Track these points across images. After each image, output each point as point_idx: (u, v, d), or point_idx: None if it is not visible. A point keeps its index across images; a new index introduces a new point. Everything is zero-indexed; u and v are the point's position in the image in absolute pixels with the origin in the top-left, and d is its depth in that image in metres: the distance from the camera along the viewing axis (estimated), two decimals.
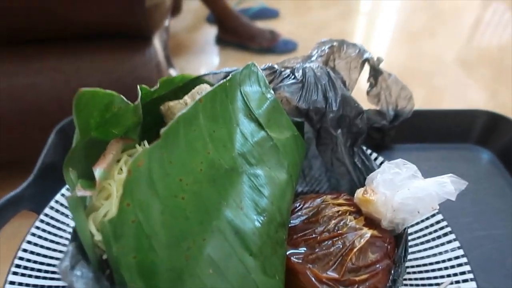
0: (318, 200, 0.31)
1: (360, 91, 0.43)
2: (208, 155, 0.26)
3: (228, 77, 0.30)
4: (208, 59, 1.61)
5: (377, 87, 0.41)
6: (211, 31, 1.64)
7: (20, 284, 0.28)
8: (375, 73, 0.41)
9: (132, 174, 0.22)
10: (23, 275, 0.28)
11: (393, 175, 0.29)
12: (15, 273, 0.28)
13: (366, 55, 0.39)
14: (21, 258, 0.29)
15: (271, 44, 1.54)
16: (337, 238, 0.28)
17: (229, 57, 1.57)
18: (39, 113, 0.88)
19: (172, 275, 0.22)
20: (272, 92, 0.32)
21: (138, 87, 0.29)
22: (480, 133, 0.46)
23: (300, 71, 0.35)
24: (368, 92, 0.41)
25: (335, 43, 0.37)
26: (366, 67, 0.40)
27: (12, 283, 0.27)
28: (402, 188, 0.29)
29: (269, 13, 1.79)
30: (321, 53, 0.37)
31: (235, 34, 1.53)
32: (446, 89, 1.40)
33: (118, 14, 0.81)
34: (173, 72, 1.08)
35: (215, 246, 0.24)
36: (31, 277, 0.29)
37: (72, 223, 0.33)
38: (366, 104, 0.42)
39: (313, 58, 0.37)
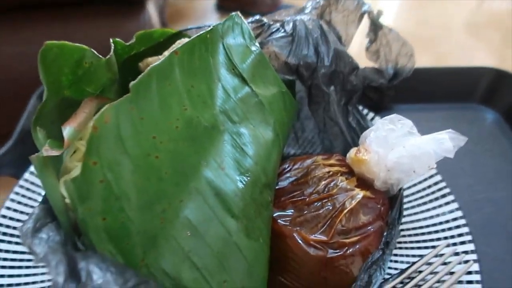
0: (309, 161, 0.29)
1: (358, 47, 0.41)
2: (185, 111, 0.24)
3: (209, 28, 0.27)
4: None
5: (377, 42, 0.38)
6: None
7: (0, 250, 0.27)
8: (375, 27, 0.38)
9: (98, 131, 0.20)
10: (2, 241, 0.27)
11: (387, 131, 0.27)
12: None
13: (365, 8, 0.36)
14: (3, 216, 0.28)
15: (272, 10, 1.49)
16: (326, 200, 0.26)
17: None
18: (29, 83, 0.86)
19: (145, 238, 0.20)
20: (258, 45, 0.29)
21: (111, 40, 0.27)
22: (485, 91, 0.44)
23: (291, 24, 0.33)
24: (367, 48, 0.39)
25: None
26: (365, 21, 0.38)
27: None
28: (397, 146, 0.27)
29: None
30: (315, 5, 0.34)
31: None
32: (453, 55, 1.35)
33: None
34: None
35: (193, 208, 0.22)
36: (10, 243, 0.28)
37: None
38: (364, 61, 0.40)
39: (307, 11, 0.34)
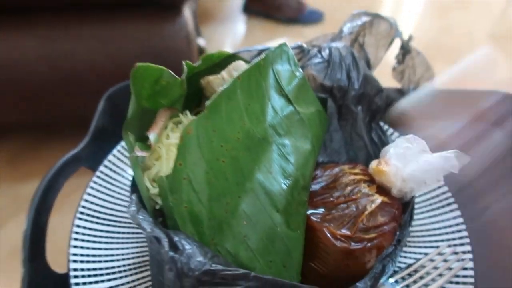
0: (336, 169, 0.35)
1: (385, 65, 0.46)
2: (244, 125, 0.30)
3: (262, 56, 0.34)
4: (234, 28, 1.62)
5: (403, 64, 0.44)
6: (238, 0, 1.65)
7: (84, 227, 0.34)
8: (404, 51, 0.44)
9: (183, 140, 0.27)
10: (86, 220, 0.34)
11: (404, 149, 0.33)
12: (80, 219, 0.34)
13: (397, 34, 0.42)
14: (83, 207, 0.35)
15: (297, 14, 1.54)
16: (351, 202, 0.32)
17: (255, 26, 1.58)
18: (75, 80, 0.93)
19: (214, 223, 0.27)
20: (301, 71, 0.35)
21: (184, 63, 0.33)
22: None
23: (327, 50, 0.39)
24: (394, 68, 0.44)
25: (367, 19, 0.40)
26: (396, 42, 0.43)
27: (78, 226, 0.33)
28: (412, 161, 0.33)
29: None
30: (351, 30, 0.40)
31: (261, 2, 1.53)
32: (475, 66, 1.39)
33: None
34: (201, 41, 1.11)
35: (248, 203, 0.28)
36: (92, 222, 0.34)
37: (121, 179, 0.38)
38: (389, 78, 0.45)
39: (343, 34, 0.40)
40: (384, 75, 0.44)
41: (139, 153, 0.29)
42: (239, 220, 0.28)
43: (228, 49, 1.52)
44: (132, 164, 0.28)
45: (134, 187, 0.30)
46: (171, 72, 0.33)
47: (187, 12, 0.96)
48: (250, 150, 0.30)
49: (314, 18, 1.57)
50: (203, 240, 0.26)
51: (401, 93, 0.46)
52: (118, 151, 0.39)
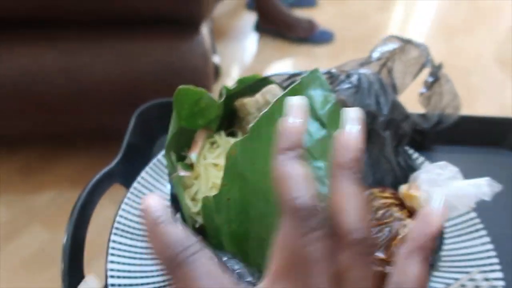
0: (367, 192, 0.36)
1: (409, 90, 0.47)
2: None
3: (297, 82, 0.35)
4: (246, 46, 1.65)
5: (431, 91, 0.45)
6: (250, 18, 1.68)
7: (120, 243, 0.34)
8: (434, 78, 0.45)
9: (228, 161, 0.28)
10: (121, 236, 0.35)
11: (436, 175, 0.33)
12: (115, 234, 0.35)
13: (427, 62, 0.43)
14: (119, 223, 0.35)
15: (308, 34, 1.57)
16: (384, 226, 0.33)
17: (267, 45, 1.61)
18: (92, 93, 0.95)
19: (257, 244, 0.27)
20: (333, 96, 0.36)
21: (223, 87, 0.35)
22: None
23: (355, 76, 0.40)
24: (421, 94, 0.45)
25: (398, 45, 0.41)
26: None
27: (114, 241, 0.34)
28: (443, 187, 0.33)
29: (307, 2, 1.81)
30: (380, 56, 0.41)
31: (273, 22, 1.56)
32: (482, 89, 1.40)
33: (174, 1, 0.85)
34: (216, 59, 1.13)
35: None
36: (127, 238, 0.35)
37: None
38: (414, 103, 0.46)
39: (372, 60, 0.41)
40: (409, 100, 0.45)
41: (183, 173, 0.30)
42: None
43: (240, 66, 1.55)
44: (174, 184, 0.29)
45: (174, 205, 0.31)
46: (210, 95, 0.34)
47: (204, 30, 0.98)
48: None
49: (324, 38, 1.59)
50: (247, 260, 0.27)
51: (425, 118, 0.47)
52: (150, 168, 0.40)
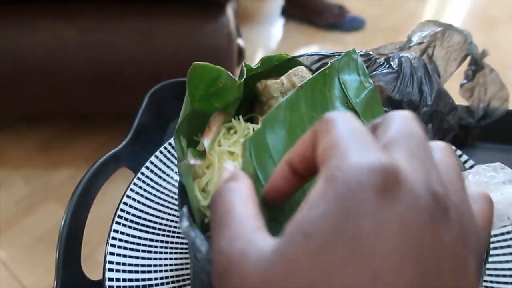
0: None
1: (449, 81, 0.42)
2: None
3: (329, 64, 0.30)
4: (272, 30, 1.60)
5: (473, 81, 0.39)
6: (277, 2, 1.62)
7: (122, 233, 0.31)
8: (476, 67, 0.39)
9: (244, 154, 0.24)
10: (124, 225, 0.32)
11: (488, 178, 0.29)
12: (118, 223, 0.31)
13: (470, 49, 0.38)
14: (122, 210, 0.32)
15: (338, 21, 1.50)
16: None
17: (293, 30, 1.55)
18: (113, 72, 0.92)
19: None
20: (371, 82, 0.32)
21: (243, 64, 0.30)
22: None
23: (396, 60, 0.35)
24: (461, 85, 0.40)
25: (439, 29, 0.36)
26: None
27: (115, 231, 0.31)
28: (495, 191, 0.29)
29: None
30: (420, 40, 0.36)
31: (302, 7, 1.50)
32: None
33: None
34: (241, 42, 1.08)
35: None
36: (130, 228, 0.32)
37: (162, 183, 0.36)
38: (454, 94, 0.41)
39: (411, 44, 0.36)
40: (450, 91, 0.40)
41: (193, 161, 0.26)
42: None
43: (265, 51, 1.50)
44: (183, 172, 0.26)
45: (182, 196, 0.27)
46: (230, 73, 0.30)
47: (229, 11, 0.94)
48: None
49: (355, 25, 1.52)
50: None
51: (469, 111, 0.42)
52: (161, 152, 0.36)
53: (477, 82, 0.40)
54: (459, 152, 0.39)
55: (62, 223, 0.29)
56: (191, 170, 0.27)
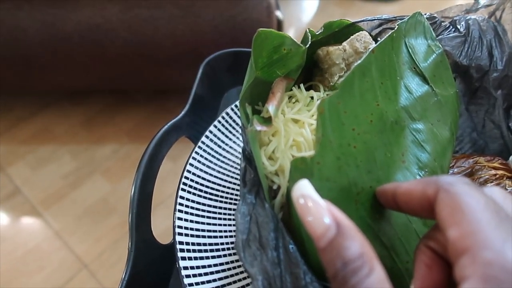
0: (471, 161, 0.31)
1: None
2: (378, 107, 0.26)
3: (396, 28, 0.29)
4: (307, 2, 1.56)
5: None
6: None
7: (188, 199, 0.32)
8: None
9: (319, 123, 0.23)
10: (189, 192, 0.32)
11: None
12: (183, 190, 0.32)
13: None
14: (186, 178, 0.33)
15: None
16: None
17: (329, 2, 1.51)
18: (154, 47, 0.93)
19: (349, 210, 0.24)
20: (440, 45, 0.30)
21: (307, 30, 0.30)
22: None
23: (463, 23, 0.33)
24: None
25: None
26: None
27: (182, 198, 0.32)
28: None
29: None
30: (489, 2, 0.34)
31: None
32: None
33: None
34: (279, 14, 1.06)
35: None
36: (195, 195, 0.33)
37: (221, 152, 0.36)
38: None
39: (479, 6, 0.34)
40: None
41: (259, 127, 0.26)
42: (371, 213, 0.24)
43: (301, 23, 1.46)
44: (250, 139, 0.26)
45: (247, 163, 0.27)
46: (294, 40, 0.29)
47: None
48: (382, 134, 0.26)
49: None
50: None
51: None
52: (219, 122, 0.37)
53: None
54: None
55: (133, 189, 0.31)
56: (257, 137, 0.27)
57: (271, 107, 0.27)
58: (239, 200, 0.26)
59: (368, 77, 0.26)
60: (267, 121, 0.28)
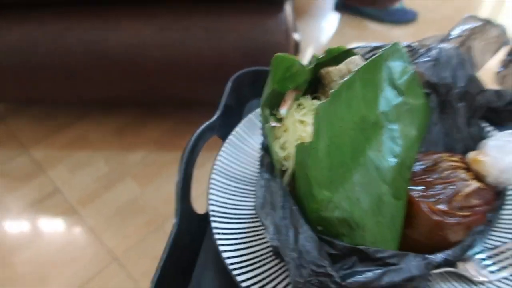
0: (436, 156, 0.40)
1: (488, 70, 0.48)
2: (360, 111, 0.36)
3: (378, 53, 0.39)
4: (325, 24, 1.67)
5: (508, 69, 0.46)
6: None
7: (218, 181, 0.42)
8: (510, 57, 0.46)
9: (315, 120, 0.33)
10: (219, 175, 0.43)
11: (505, 142, 0.36)
12: (215, 173, 0.42)
13: (505, 41, 0.44)
14: (217, 165, 0.43)
15: (390, 4, 1.52)
16: (448, 184, 0.37)
17: (346, 24, 1.62)
18: (183, 65, 1.05)
19: (333, 187, 0.33)
20: (413, 67, 0.40)
21: (313, 55, 0.40)
22: None
23: (435, 50, 0.43)
24: (498, 72, 0.47)
25: (478, 24, 0.43)
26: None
27: (213, 179, 0.42)
28: (511, 153, 0.36)
29: None
30: (460, 33, 0.43)
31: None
32: None
33: None
34: (297, 36, 1.17)
35: (361, 174, 0.34)
36: (224, 178, 0.43)
37: (244, 147, 0.46)
38: (491, 82, 0.47)
39: (451, 37, 0.44)
40: (486, 79, 0.47)
41: (274, 124, 0.36)
42: (353, 186, 0.34)
43: (318, 44, 1.57)
44: (267, 133, 0.36)
45: (264, 153, 0.37)
46: (301, 62, 0.39)
47: (288, 8, 1.03)
48: (363, 131, 0.36)
49: (407, 17, 1.56)
50: (324, 197, 0.33)
51: (499, 95, 0.48)
52: (243, 124, 0.47)
53: (510, 71, 0.47)
54: (490, 128, 0.46)
55: (178, 171, 0.41)
56: (273, 132, 0.37)
57: (283, 110, 0.38)
58: (257, 178, 0.36)
59: (353, 89, 0.36)
60: (280, 120, 0.38)
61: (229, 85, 0.51)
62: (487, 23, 0.45)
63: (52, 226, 1.13)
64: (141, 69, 1.08)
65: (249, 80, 0.53)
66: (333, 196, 0.33)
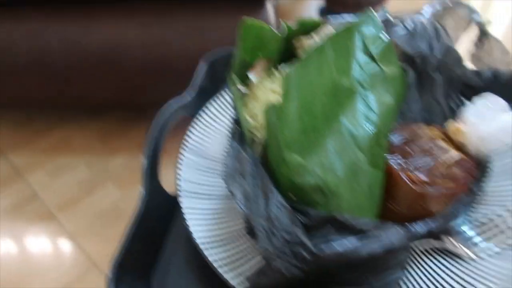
0: (415, 127, 0.38)
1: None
2: (332, 75, 0.34)
3: (350, 21, 0.38)
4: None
5: (481, 49, 0.45)
6: (314, 2, 1.69)
7: (187, 158, 0.40)
8: (482, 35, 0.45)
9: (284, 82, 0.32)
10: (188, 152, 0.40)
11: (483, 108, 0.35)
12: (184, 149, 0.40)
13: (474, 16, 0.44)
14: (186, 141, 0.41)
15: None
16: (429, 154, 0.35)
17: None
18: (166, 65, 1.03)
19: (304, 151, 0.31)
20: (386, 35, 0.39)
21: (284, 23, 0.39)
22: None
23: (410, 21, 0.42)
24: (471, 54, 0.46)
25: (448, 5, 0.42)
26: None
27: (182, 155, 0.39)
28: (491, 120, 0.35)
29: None
30: (433, 12, 0.42)
31: (343, 3, 1.55)
32: None
33: None
34: None
35: (335, 139, 0.32)
36: (193, 155, 0.41)
37: (215, 125, 0.44)
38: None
39: (424, 14, 0.43)
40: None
41: (241, 88, 0.34)
42: (326, 151, 0.32)
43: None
44: (235, 97, 0.34)
45: (236, 124, 0.35)
46: (273, 29, 0.38)
47: (269, 8, 1.03)
48: (336, 97, 0.34)
49: None
50: (295, 161, 0.31)
51: (478, 74, 0.47)
52: (214, 101, 0.45)
53: (483, 50, 0.46)
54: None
55: (146, 148, 0.39)
56: (242, 99, 0.35)
57: (251, 75, 0.36)
58: (228, 149, 0.34)
59: (323, 55, 0.35)
60: (248, 87, 0.36)
61: (205, 68, 0.49)
62: (457, 4, 0.44)
63: (30, 232, 1.08)
64: (123, 69, 1.06)
65: (223, 60, 0.51)
66: (305, 160, 0.31)
